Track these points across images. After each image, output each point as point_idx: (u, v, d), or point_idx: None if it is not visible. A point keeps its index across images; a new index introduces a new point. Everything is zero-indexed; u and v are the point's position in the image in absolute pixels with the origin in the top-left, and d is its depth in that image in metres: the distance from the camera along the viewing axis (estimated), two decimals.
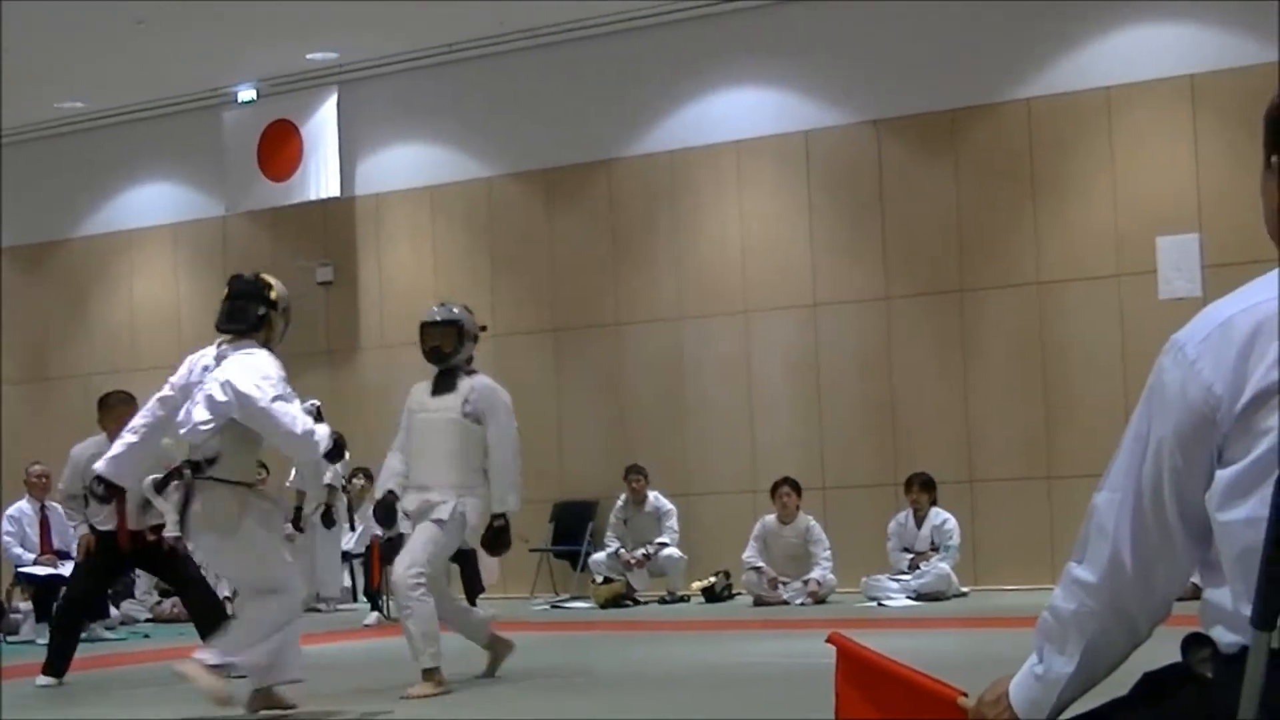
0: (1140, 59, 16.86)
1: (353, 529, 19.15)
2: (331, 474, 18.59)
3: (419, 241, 20.94)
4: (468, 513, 10.53)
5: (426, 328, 10.93)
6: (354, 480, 19.10)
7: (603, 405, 19.48)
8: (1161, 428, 2.79)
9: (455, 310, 11.04)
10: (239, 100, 21.75)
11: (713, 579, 17.61)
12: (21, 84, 20.71)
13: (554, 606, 17.84)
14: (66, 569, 16.11)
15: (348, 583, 19.49)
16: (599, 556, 18.07)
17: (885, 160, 18.15)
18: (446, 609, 10.69)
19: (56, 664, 11.91)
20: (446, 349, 10.86)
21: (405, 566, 10.36)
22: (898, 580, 16.41)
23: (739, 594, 17.52)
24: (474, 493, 10.61)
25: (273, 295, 9.41)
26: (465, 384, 10.78)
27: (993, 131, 17.61)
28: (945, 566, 16.41)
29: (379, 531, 17.05)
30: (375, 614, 16.79)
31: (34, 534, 16.94)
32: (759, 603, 16.76)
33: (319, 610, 18.58)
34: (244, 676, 9.13)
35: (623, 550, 17.89)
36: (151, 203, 22.85)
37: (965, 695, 3.14)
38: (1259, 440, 2.67)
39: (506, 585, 18.70)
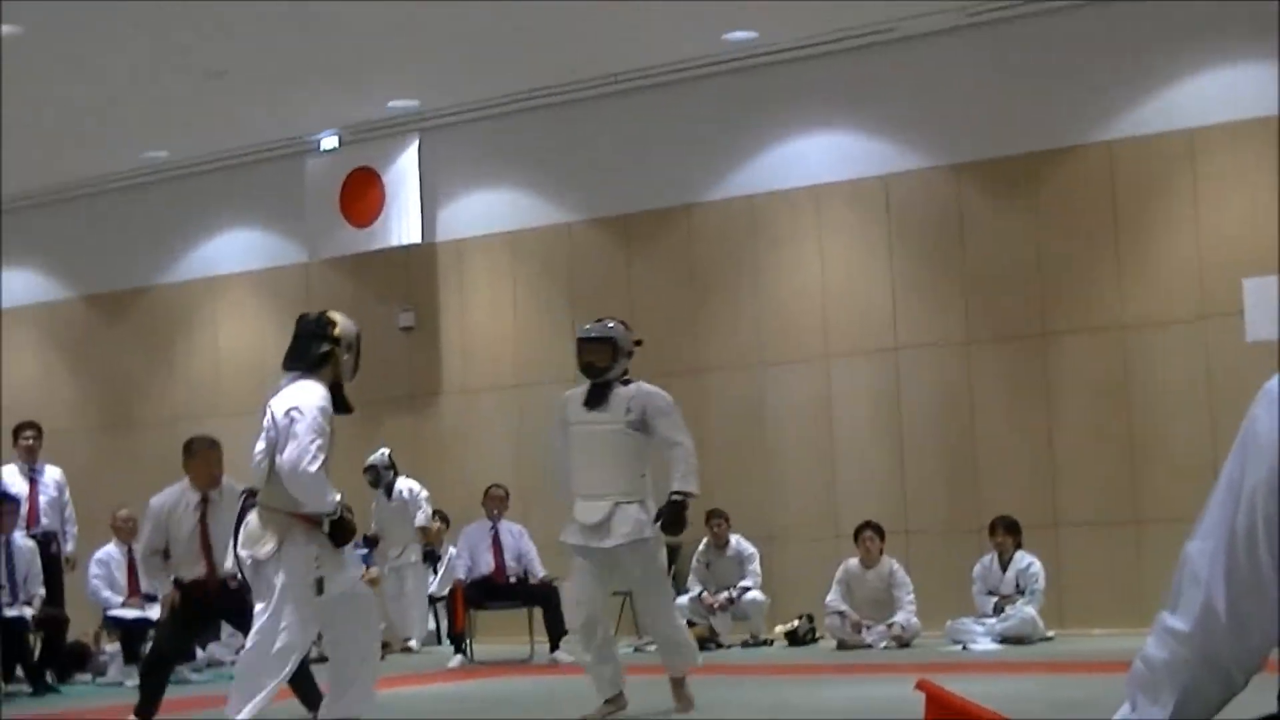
0: (1223, 101, 16.77)
1: (435, 572, 19.27)
2: (422, 515, 18.77)
3: (499, 287, 21.02)
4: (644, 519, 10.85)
5: (582, 344, 11.14)
6: (434, 524, 19.20)
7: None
8: (1255, 475, 2.78)
9: (609, 325, 11.23)
10: (321, 148, 21.92)
11: (796, 622, 17.56)
12: (107, 134, 20.99)
13: (637, 650, 17.79)
14: (154, 612, 16.18)
15: (433, 625, 19.53)
16: (681, 600, 18.03)
17: (965, 204, 18.12)
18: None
19: (145, 709, 11.95)
20: (601, 364, 11.04)
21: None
22: (982, 624, 16.33)
23: (822, 638, 17.47)
24: (644, 498, 10.85)
25: (336, 332, 9.44)
26: (623, 394, 10.96)
27: (1074, 175, 17.55)
28: (1030, 610, 16.30)
29: (462, 575, 17.17)
30: (459, 657, 16.83)
31: (121, 577, 17.10)
32: (842, 646, 16.71)
33: (409, 650, 18.64)
34: None
35: (705, 594, 17.87)
36: (235, 250, 23.04)
37: None
38: None
39: None
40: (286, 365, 9.45)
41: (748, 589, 17.79)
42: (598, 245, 20.29)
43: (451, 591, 17.49)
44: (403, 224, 21.26)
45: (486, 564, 17.18)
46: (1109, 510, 17.16)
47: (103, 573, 17.11)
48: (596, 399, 10.98)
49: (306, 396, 9.14)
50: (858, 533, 17.08)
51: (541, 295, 20.71)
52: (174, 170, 22.98)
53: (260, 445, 9.21)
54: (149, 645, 13.30)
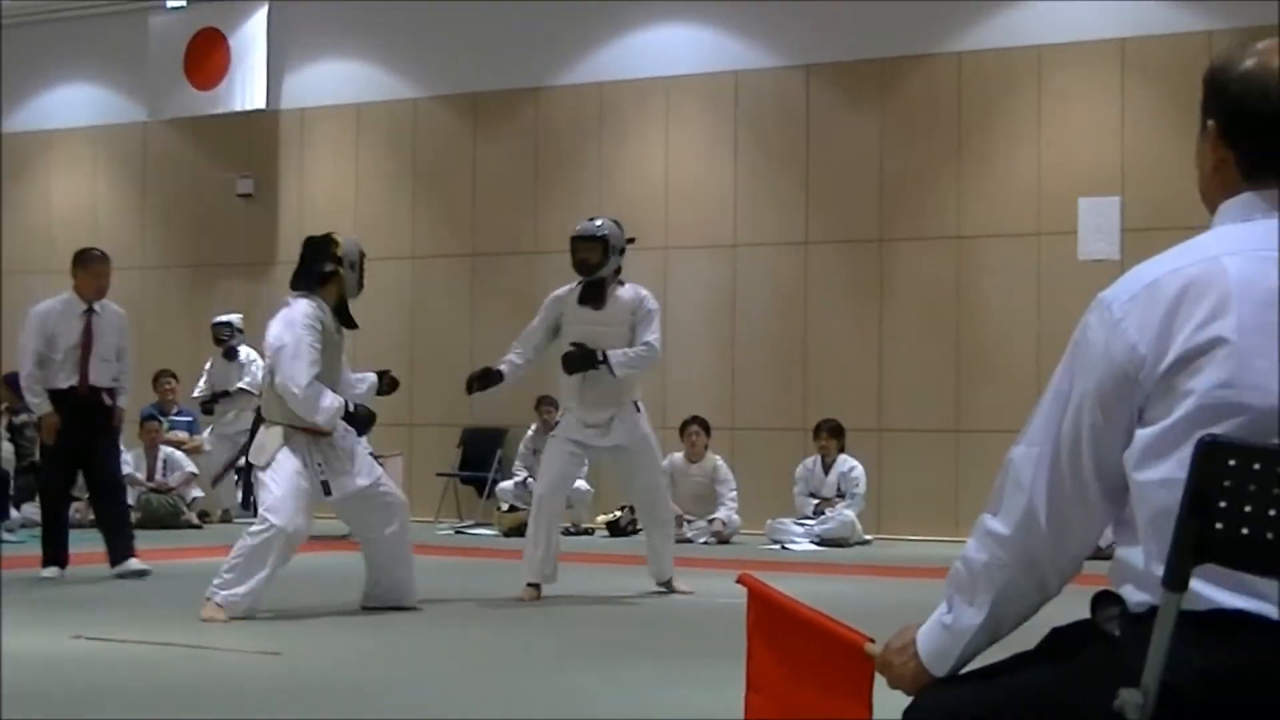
0: (1073, 20, 16.89)
1: None
2: (250, 380, 18.41)
3: (341, 158, 20.80)
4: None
5: (575, 241, 11.48)
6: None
7: (517, 333, 19.39)
8: (1083, 384, 2.79)
9: (601, 224, 11.50)
10: (168, 6, 21.50)
11: (618, 513, 17.62)
12: None
13: (458, 532, 17.82)
14: None
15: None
16: (506, 485, 18.05)
17: (813, 106, 18.14)
18: None
19: (56, 554, 12.13)
20: (593, 261, 11.39)
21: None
22: (802, 525, 16.48)
23: (642, 529, 17.52)
24: (636, 398, 11.54)
25: (339, 252, 10.16)
26: (625, 299, 11.42)
27: (922, 83, 17.63)
28: (850, 514, 16.48)
29: None
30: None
31: None
32: None
33: (228, 520, 18.43)
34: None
35: (530, 480, 17.85)
36: (73, 104, 22.58)
37: (872, 642, 3.13)
38: (1180, 402, 2.67)
39: (412, 508, 18.60)
40: (293, 285, 10.19)
41: None
42: (444, 122, 20.11)
43: None
44: (247, 89, 20.94)
45: None
46: (933, 419, 17.37)
47: None
48: (593, 297, 11.40)
49: (292, 317, 9.86)
50: (684, 427, 17.14)
51: (384, 169, 20.52)
52: (13, 18, 22.44)
53: (263, 365, 10.09)
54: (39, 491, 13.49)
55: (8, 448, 17.88)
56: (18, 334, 12.72)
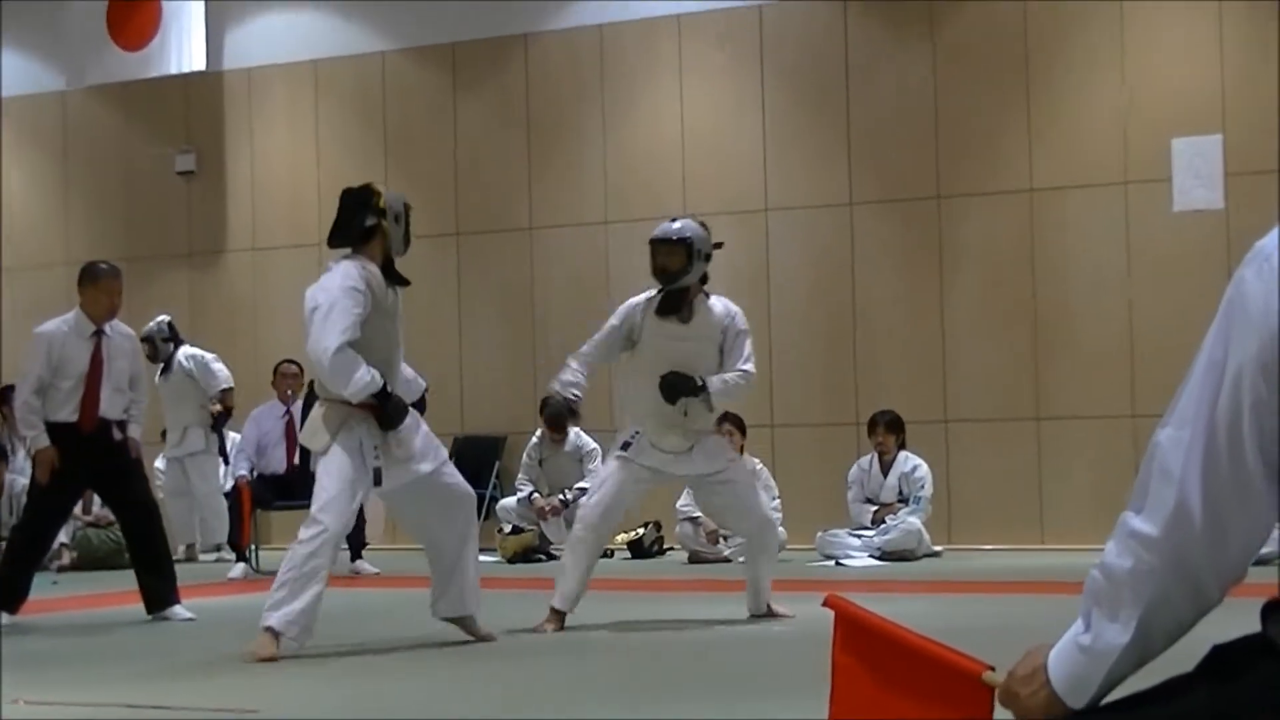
0: None
1: (228, 462, 18.43)
2: (223, 378, 18.08)
3: (299, 126, 20.78)
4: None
5: (655, 245, 11.49)
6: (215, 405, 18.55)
7: (514, 325, 19.40)
8: (1241, 352, 2.73)
9: (685, 226, 11.52)
10: None
11: (640, 531, 17.61)
12: None
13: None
14: None
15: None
16: (508, 502, 18.01)
17: (854, 44, 18.10)
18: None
19: (8, 599, 12.22)
20: (674, 268, 11.39)
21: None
22: (859, 536, 16.43)
23: (671, 548, 17.54)
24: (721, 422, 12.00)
25: (381, 204, 10.33)
26: (713, 312, 11.51)
27: (982, 13, 17.57)
28: (915, 521, 16.43)
29: (245, 470, 16.91)
30: (241, 565, 16.47)
31: None
32: (695, 559, 16.76)
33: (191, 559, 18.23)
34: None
35: (536, 495, 17.83)
36: None
37: (992, 670, 3.09)
38: None
39: (395, 535, 18.65)
40: (331, 242, 10.41)
41: (586, 491, 17.75)
42: (417, 79, 20.09)
43: (234, 489, 17.11)
44: (182, 48, 20.90)
45: (277, 457, 16.93)
46: (1008, 405, 17.31)
47: None
48: (674, 308, 11.44)
49: (329, 281, 10.04)
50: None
51: (350, 136, 20.49)
52: None
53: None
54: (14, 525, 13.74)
55: None
56: None
